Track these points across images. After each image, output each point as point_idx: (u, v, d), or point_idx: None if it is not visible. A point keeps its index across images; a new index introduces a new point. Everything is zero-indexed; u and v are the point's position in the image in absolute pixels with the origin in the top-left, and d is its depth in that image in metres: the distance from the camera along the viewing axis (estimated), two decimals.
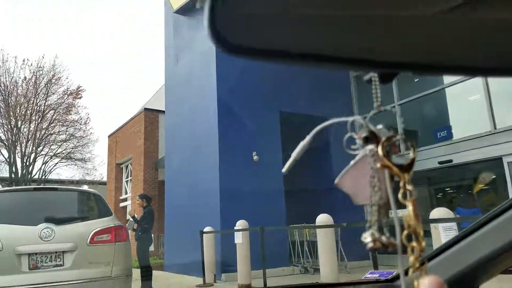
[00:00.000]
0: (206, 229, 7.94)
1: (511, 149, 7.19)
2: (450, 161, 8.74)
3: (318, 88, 10.12)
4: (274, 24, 0.30)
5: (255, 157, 8.99)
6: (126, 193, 16.94)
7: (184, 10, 10.76)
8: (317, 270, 7.89)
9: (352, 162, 0.43)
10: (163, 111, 12.78)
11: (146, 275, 6.69)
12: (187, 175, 9.98)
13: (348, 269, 8.44)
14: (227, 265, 7.85)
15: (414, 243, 0.39)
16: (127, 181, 17.05)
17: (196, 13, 10.45)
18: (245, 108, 9.16)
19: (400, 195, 0.40)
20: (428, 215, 5.18)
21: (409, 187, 0.40)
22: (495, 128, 8.09)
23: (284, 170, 0.50)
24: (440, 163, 8.90)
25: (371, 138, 0.42)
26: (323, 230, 6.37)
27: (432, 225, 4.58)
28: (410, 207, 0.40)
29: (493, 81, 8.33)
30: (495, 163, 7.95)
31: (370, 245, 0.39)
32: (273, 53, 0.33)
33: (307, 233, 8.98)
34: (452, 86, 9.45)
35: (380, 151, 0.41)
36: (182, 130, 10.68)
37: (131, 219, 7.13)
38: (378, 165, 0.41)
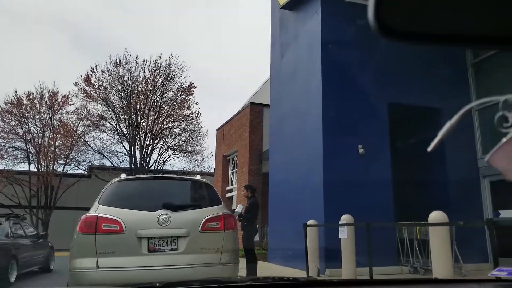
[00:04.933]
0: (310, 222, 7.93)
1: None
2: None
3: (431, 78, 9.45)
4: (429, 9, 0.32)
5: (360, 150, 8.72)
6: (232, 184, 17.83)
7: (290, 5, 10.85)
8: (427, 271, 7.36)
9: (504, 140, 0.43)
10: (268, 105, 13.08)
11: (251, 262, 6.93)
12: (291, 168, 10.09)
13: (464, 271, 7.72)
14: (331, 260, 7.76)
15: None
16: (233, 173, 17.93)
17: (302, 8, 10.46)
18: (351, 101, 8.94)
19: None
20: None
21: None
22: None
23: (429, 149, 0.53)
24: None
25: None
26: (436, 228, 5.89)
27: None
28: None
29: None
30: None
31: None
32: (430, 37, 0.34)
33: (417, 231, 8.42)
34: None
35: None
36: (286, 124, 10.82)
37: (237, 209, 7.46)
38: None
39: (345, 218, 7.16)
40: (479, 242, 8.47)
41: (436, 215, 5.97)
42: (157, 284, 1.27)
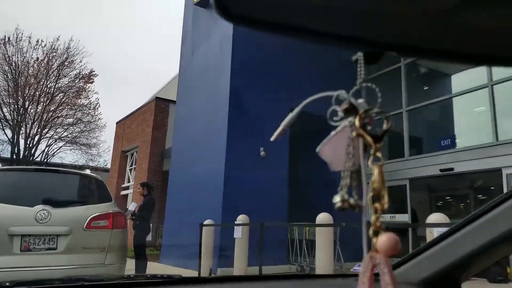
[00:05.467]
0: (206, 222, 7.94)
1: (511, 161, 7.16)
2: (452, 169, 8.72)
3: (331, 87, 10.10)
4: None
5: (262, 153, 8.99)
6: (129, 181, 17.04)
7: (204, 3, 10.76)
8: (313, 269, 7.86)
9: (333, 133, 0.48)
10: (175, 101, 12.81)
11: (141, 262, 6.70)
12: (192, 167, 10.00)
13: (344, 269, 8.43)
14: (225, 259, 7.86)
15: (376, 204, 0.43)
16: (131, 169, 17.14)
17: None
18: (257, 103, 9.16)
19: (370, 162, 0.44)
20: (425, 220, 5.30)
21: (378, 154, 0.44)
22: (497, 140, 8.08)
23: (272, 138, 0.56)
24: (441, 170, 8.88)
25: (351, 110, 0.47)
26: (322, 229, 6.34)
27: (427, 230, 4.68)
28: (376, 172, 0.44)
29: (499, 95, 8.30)
30: (494, 174, 7.91)
31: (339, 205, 0.43)
32: (271, 25, 0.35)
33: (307, 232, 8.97)
34: (460, 96, 9.42)
35: (356, 121, 0.45)
36: (191, 122, 10.70)
37: (130, 208, 7.15)
38: (354, 134, 0.45)
39: (241, 218, 7.32)
40: (360, 242, 9.33)
41: (323, 217, 6.43)
42: (7, 284, 1.14)
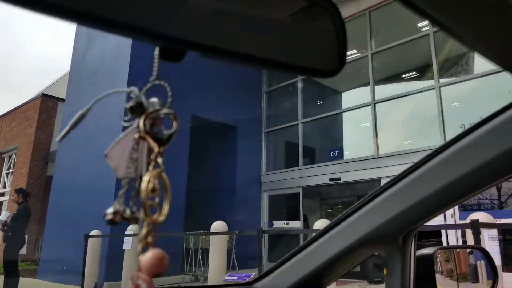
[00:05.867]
0: (93, 232, 7.33)
1: (389, 172, 7.97)
2: (339, 179, 9.43)
3: (232, 97, 10.28)
4: None
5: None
6: (4, 186, 15.05)
7: None
8: (207, 278, 7.76)
9: (121, 135, 0.43)
10: (64, 100, 11.70)
11: (12, 278, 5.91)
12: (79, 172, 9.20)
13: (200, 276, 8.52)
14: (112, 273, 7.31)
15: (149, 216, 0.38)
16: (7, 174, 15.17)
17: None
18: None
19: (150, 167, 0.40)
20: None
21: (159, 160, 0.41)
22: (377, 153, 8.94)
23: (58, 139, 0.49)
24: (330, 180, 9.55)
25: (138, 109, 0.42)
26: (216, 237, 6.29)
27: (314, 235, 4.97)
28: (145, 179, 0.39)
29: (380, 113, 9.26)
30: (375, 183, 8.76)
31: (109, 217, 0.38)
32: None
33: (202, 241, 8.84)
34: (348, 111, 10.29)
35: (141, 122, 0.41)
36: (80, 123, 9.83)
37: (0, 217, 6.26)
38: (136, 136, 0.41)
39: (132, 228, 6.91)
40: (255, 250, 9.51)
41: (216, 225, 6.38)
42: None
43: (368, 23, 9.73)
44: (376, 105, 9.36)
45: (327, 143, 11.05)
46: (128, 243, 6.81)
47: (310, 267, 0.90)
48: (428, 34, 8.65)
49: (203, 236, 8.71)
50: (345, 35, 0.41)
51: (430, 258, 0.91)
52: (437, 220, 7.29)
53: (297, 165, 10.44)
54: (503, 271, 6.48)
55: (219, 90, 10.03)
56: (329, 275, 0.92)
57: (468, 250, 1.24)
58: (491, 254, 3.33)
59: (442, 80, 8.47)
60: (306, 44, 0.40)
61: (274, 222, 10.57)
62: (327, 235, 0.91)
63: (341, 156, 10.01)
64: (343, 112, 10.50)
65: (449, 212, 7.47)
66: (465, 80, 8.26)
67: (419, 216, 0.77)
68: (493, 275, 1.09)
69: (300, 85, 11.08)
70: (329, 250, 0.88)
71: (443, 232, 6.67)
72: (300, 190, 10.16)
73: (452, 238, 6.62)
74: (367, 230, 0.83)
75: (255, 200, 10.72)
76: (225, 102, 10.13)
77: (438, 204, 0.74)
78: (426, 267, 0.90)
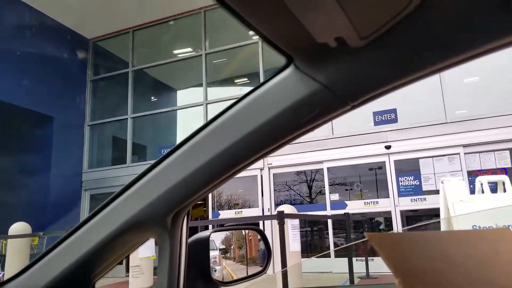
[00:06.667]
0: None
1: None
2: None
3: (48, 82, 9.10)
4: None
5: None
6: None
7: None
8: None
9: None
10: None
11: None
12: None
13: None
14: None
15: None
16: None
17: None
18: None
19: None
20: None
21: None
22: None
23: None
24: None
25: None
26: (17, 241, 5.38)
27: None
28: None
29: (212, 113, 9.50)
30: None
31: None
32: None
33: (3, 246, 7.51)
34: (182, 109, 10.26)
35: None
36: None
37: None
38: None
39: None
40: None
41: (17, 226, 5.47)
42: None
43: (203, 22, 9.82)
44: (208, 105, 9.52)
45: (159, 141, 10.77)
46: None
47: (69, 260, 0.82)
48: (257, 42, 9.22)
49: (4, 241, 7.40)
50: None
51: (205, 242, 0.91)
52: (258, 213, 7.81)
53: (125, 163, 9.84)
54: (307, 257, 7.32)
55: (31, 72, 8.75)
56: (96, 267, 0.84)
57: (247, 231, 1.25)
58: (292, 241, 3.58)
59: None
60: None
61: None
62: (88, 224, 0.83)
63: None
64: (178, 109, 10.37)
65: (266, 206, 8.10)
66: None
67: (185, 195, 0.75)
68: (267, 254, 1.12)
69: (131, 76, 10.47)
70: (91, 240, 0.81)
71: (261, 223, 7.19)
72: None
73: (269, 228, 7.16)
74: (132, 212, 0.78)
75: (74, 200, 9.69)
76: (38, 87, 8.90)
77: (204, 181, 0.73)
78: (200, 251, 0.89)
